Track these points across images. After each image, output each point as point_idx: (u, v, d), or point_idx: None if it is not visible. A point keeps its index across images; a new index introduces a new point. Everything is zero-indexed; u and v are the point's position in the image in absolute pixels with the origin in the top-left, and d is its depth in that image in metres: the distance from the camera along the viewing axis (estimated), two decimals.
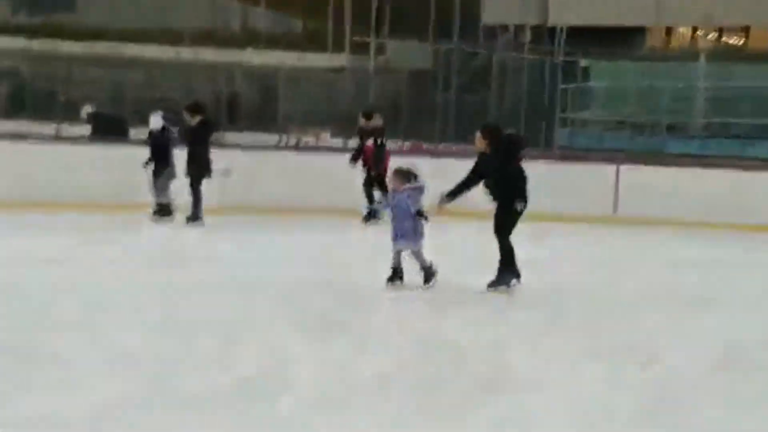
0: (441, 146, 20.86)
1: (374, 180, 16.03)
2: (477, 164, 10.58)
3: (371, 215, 15.94)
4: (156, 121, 15.10)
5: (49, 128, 17.94)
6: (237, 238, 14.00)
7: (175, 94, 28.95)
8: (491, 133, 10.57)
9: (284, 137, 21.53)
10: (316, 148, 20.53)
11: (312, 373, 7.08)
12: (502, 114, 23.00)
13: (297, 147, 20.99)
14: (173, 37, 34.59)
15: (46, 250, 12.05)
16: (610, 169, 18.56)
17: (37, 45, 31.63)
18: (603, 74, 30.50)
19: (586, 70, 30.59)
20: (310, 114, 23.19)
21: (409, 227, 10.33)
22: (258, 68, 31.98)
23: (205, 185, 14.90)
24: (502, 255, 10.40)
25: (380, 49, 32.94)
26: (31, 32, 32.74)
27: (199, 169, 14.94)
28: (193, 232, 14.47)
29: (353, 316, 9.16)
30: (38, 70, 27.95)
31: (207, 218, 15.03)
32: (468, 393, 6.82)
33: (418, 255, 10.43)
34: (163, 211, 15.16)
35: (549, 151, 24.59)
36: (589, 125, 29.23)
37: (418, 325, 8.99)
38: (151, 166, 15.03)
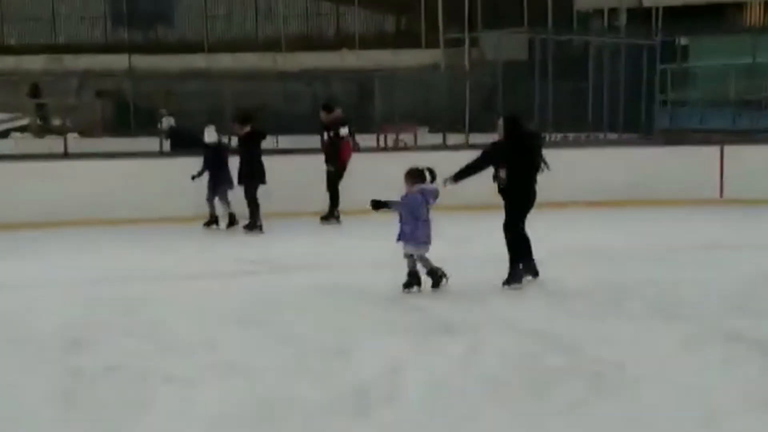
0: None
1: (337, 176, 15.88)
2: (488, 151, 10.72)
3: (331, 215, 15.85)
4: (211, 134, 15.39)
5: (153, 144, 18.26)
6: (339, 241, 14.11)
7: (274, 101, 29.31)
8: (510, 123, 10.54)
9: (382, 137, 21.58)
10: (414, 147, 20.55)
11: (425, 376, 7.14)
12: (601, 100, 22.72)
13: (395, 147, 21.06)
14: (269, 45, 34.97)
15: (156, 264, 12.31)
16: (713, 149, 18.24)
17: (138, 62, 32.28)
18: (702, 53, 29.92)
19: (684, 50, 30.06)
20: (407, 112, 23.22)
21: (413, 230, 10.09)
22: (353, 69, 32.15)
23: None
24: (510, 250, 10.47)
25: (474, 43, 32.81)
26: (132, 49, 33.43)
27: (252, 178, 15.16)
28: (285, 238, 14.58)
29: (460, 316, 9.16)
30: (139, 88, 28.48)
31: (310, 221, 15.26)
32: (585, 390, 6.81)
33: (422, 259, 10.21)
34: (231, 221, 15.45)
35: (650, 134, 24.22)
36: (690, 105, 28.72)
37: (526, 323, 8.95)
38: (205, 179, 15.35)
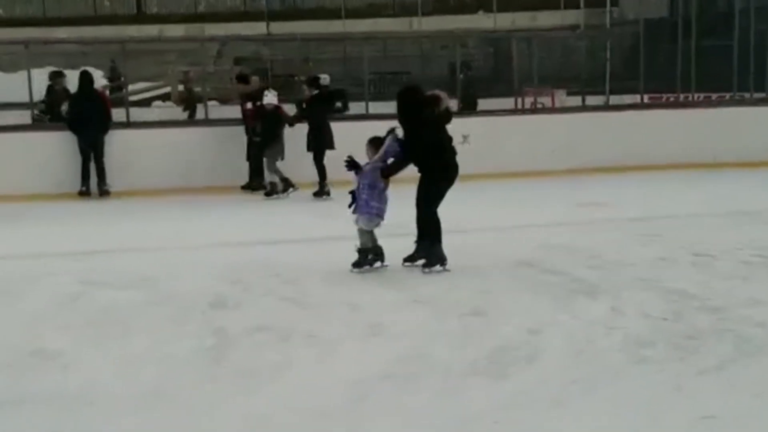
0: (683, 97, 20.22)
1: (264, 146, 15.19)
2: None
3: (273, 190, 15.22)
4: (271, 98, 15.21)
5: (291, 109, 18.41)
6: (477, 205, 14.05)
7: (410, 65, 29.29)
8: (399, 98, 9.45)
9: (520, 100, 21.33)
10: (552, 110, 20.28)
11: (563, 340, 7.05)
12: (747, 59, 21.99)
13: (533, 109, 20.80)
14: (406, 9, 34.95)
15: (294, 227, 12.43)
16: None
17: (275, 28, 32.64)
18: None
19: None
20: (545, 75, 22.90)
21: (365, 203, 9.47)
22: (491, 32, 31.89)
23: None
24: (421, 229, 9.57)
25: (614, 2, 32.19)
26: (270, 16, 33.82)
27: (320, 143, 14.99)
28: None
29: (601, 277, 9.02)
30: (277, 53, 28.78)
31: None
32: (731, 351, 6.65)
33: (361, 233, 9.56)
34: (273, 189, 15.19)
35: None
36: None
37: (669, 284, 8.75)
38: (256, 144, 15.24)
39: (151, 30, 31.98)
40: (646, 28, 22.31)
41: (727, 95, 20.54)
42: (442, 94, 9.57)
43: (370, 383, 6.18)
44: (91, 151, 15.59)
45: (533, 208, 13.62)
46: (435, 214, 9.56)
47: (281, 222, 12.92)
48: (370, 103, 17.24)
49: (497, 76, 26.90)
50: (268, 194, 15.21)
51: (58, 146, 15.68)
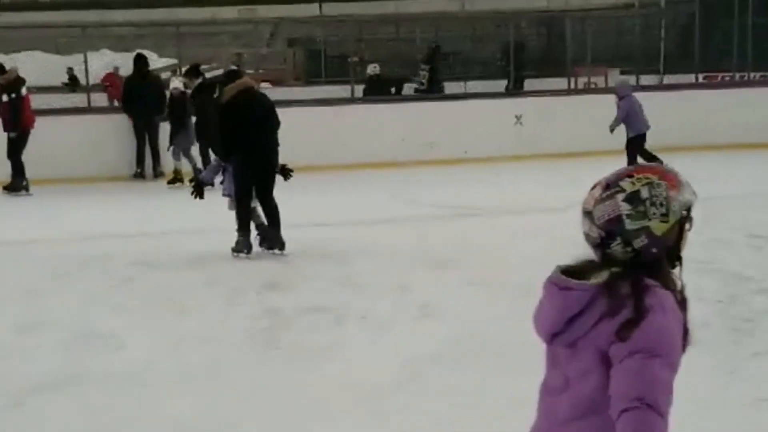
0: (738, 76, 19.98)
1: (21, 143, 14.21)
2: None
3: (19, 185, 14.30)
4: (177, 84, 15.10)
5: (344, 91, 18.42)
6: (530, 186, 13.99)
7: (463, 45, 29.15)
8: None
9: (573, 80, 21.17)
10: (605, 90, 20.10)
11: None
12: None
13: (586, 89, 20.63)
14: None
15: (346, 209, 12.44)
16: None
17: (328, 10, 32.62)
18: None
19: None
20: (598, 54, 22.69)
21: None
22: (543, 12, 31.63)
23: None
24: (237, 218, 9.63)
25: None
26: None
27: (202, 135, 14.60)
28: (476, 182, 14.48)
29: None
30: (330, 35, 28.79)
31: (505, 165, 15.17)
32: None
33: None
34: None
35: None
36: None
37: (727, 266, 8.65)
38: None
39: (204, 13, 32.11)
40: (701, 5, 22.03)
41: None
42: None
43: (422, 363, 6.19)
44: (146, 132, 15.72)
45: (587, 188, 13.48)
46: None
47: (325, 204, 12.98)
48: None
49: (550, 56, 26.67)
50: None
51: (114, 128, 15.82)
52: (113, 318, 7.46)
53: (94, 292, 8.34)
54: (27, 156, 14.31)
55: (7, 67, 14.80)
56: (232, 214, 9.64)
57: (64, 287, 8.58)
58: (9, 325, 7.37)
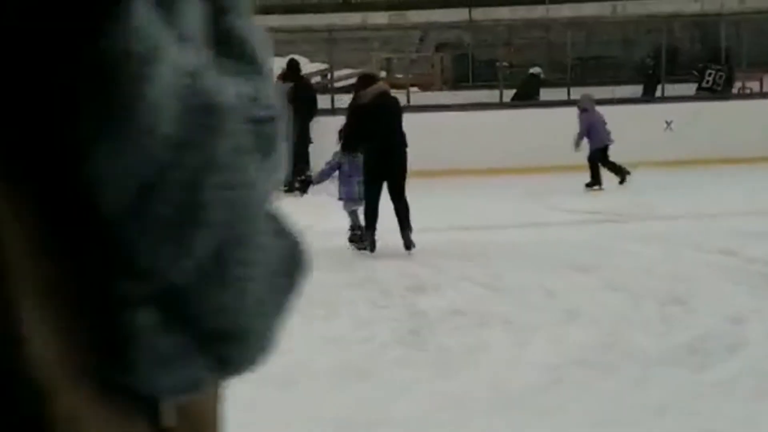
0: None
1: None
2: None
3: None
4: None
5: (492, 96, 18.47)
6: (674, 191, 13.78)
7: (613, 50, 28.81)
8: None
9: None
10: (761, 94, 19.64)
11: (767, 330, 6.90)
12: None
13: (740, 94, 20.20)
14: None
15: (494, 214, 12.47)
16: None
17: (477, 15, 32.63)
18: None
19: None
20: (754, 59, 22.13)
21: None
22: (698, 16, 30.99)
23: None
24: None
25: None
26: (472, 2, 33.81)
27: None
28: (617, 188, 14.33)
29: None
30: (479, 39, 28.81)
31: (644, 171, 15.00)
32: None
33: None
34: None
35: None
36: None
37: None
38: None
39: (355, 18, 32.47)
40: None
41: None
42: None
43: (566, 368, 6.21)
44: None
45: (733, 195, 13.24)
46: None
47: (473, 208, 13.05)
48: (572, 89, 17.14)
49: (704, 60, 26.16)
50: None
51: None
52: None
53: None
54: None
55: None
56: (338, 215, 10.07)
57: None
58: None
